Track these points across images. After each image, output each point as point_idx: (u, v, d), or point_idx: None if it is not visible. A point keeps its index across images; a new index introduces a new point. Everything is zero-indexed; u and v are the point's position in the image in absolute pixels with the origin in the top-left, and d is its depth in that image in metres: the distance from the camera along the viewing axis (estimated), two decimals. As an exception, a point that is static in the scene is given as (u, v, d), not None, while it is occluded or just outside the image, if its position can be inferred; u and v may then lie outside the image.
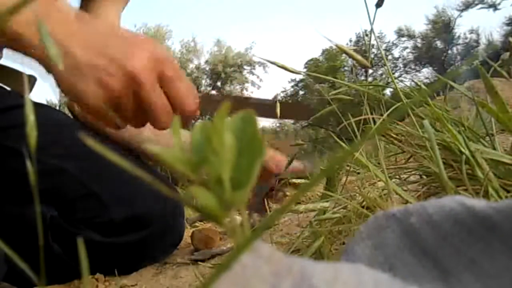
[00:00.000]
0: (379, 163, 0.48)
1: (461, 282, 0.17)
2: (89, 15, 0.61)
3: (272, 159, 0.77)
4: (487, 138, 0.44)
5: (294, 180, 0.58)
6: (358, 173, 0.61)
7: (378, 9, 0.45)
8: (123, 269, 0.74)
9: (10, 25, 0.45)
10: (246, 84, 14.74)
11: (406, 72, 14.45)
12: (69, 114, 0.83)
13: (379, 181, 0.57)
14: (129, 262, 0.75)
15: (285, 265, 0.15)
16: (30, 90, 0.75)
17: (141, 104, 0.50)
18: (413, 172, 0.52)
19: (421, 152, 0.47)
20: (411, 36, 14.59)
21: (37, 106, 0.70)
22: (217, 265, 0.50)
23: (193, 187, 0.13)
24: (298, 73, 0.56)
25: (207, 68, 14.75)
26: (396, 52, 14.75)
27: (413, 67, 14.62)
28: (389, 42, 14.53)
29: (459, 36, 14.21)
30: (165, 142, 0.78)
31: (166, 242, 0.80)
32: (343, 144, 0.51)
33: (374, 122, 0.49)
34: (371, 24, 0.45)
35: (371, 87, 0.53)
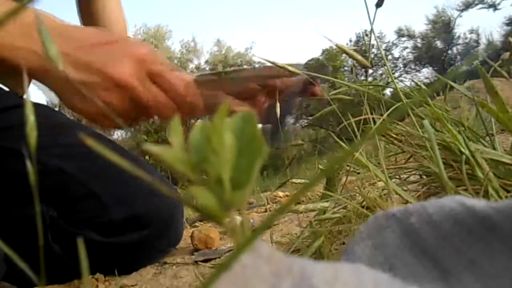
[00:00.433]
0: (379, 163, 0.47)
1: (461, 282, 0.17)
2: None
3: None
4: (487, 138, 0.44)
5: (294, 180, 0.57)
6: (358, 173, 0.61)
7: (378, 9, 0.45)
8: (123, 269, 0.74)
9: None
10: (246, 84, 14.68)
11: (406, 72, 14.45)
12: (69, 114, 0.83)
13: (379, 181, 0.57)
14: (129, 262, 0.75)
15: (285, 265, 0.15)
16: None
17: (139, 104, 0.52)
18: (413, 172, 0.52)
19: (421, 152, 0.47)
20: (411, 36, 14.59)
21: (37, 106, 0.70)
22: (217, 265, 0.50)
23: (193, 187, 0.13)
24: (298, 73, 0.56)
25: (207, 68, 14.74)
26: (396, 52, 14.76)
27: (413, 67, 14.62)
28: (389, 42, 14.53)
29: (459, 36, 14.22)
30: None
31: (166, 242, 0.80)
32: (343, 144, 0.51)
33: (374, 122, 0.49)
34: (371, 24, 0.45)
35: (371, 87, 0.53)
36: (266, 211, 1.21)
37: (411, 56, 14.74)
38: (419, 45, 14.56)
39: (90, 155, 0.71)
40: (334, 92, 0.56)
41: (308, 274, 0.15)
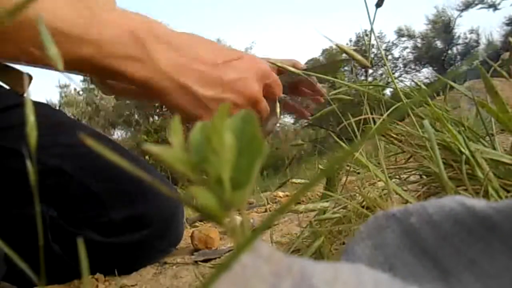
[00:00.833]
0: (379, 163, 0.47)
1: (461, 282, 0.17)
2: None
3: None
4: (487, 138, 0.44)
5: (294, 180, 0.58)
6: (358, 173, 0.61)
7: (378, 9, 0.45)
8: (123, 269, 0.74)
9: (109, 62, 0.44)
10: (246, 84, 14.68)
11: (406, 72, 14.44)
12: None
13: (379, 181, 0.57)
14: (129, 262, 0.75)
15: (285, 265, 0.15)
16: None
17: (259, 116, 0.57)
18: (413, 172, 0.52)
19: (421, 152, 0.47)
20: (411, 36, 14.59)
21: (37, 105, 0.70)
22: (217, 265, 0.50)
23: (193, 187, 0.13)
24: (298, 73, 0.56)
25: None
26: (396, 52, 14.76)
27: (413, 67, 14.62)
28: (389, 42, 14.53)
29: (459, 36, 14.22)
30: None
31: (166, 242, 0.80)
32: (343, 144, 0.51)
33: (374, 122, 0.49)
34: (371, 24, 0.45)
35: (371, 87, 0.53)
36: (266, 211, 1.21)
37: (411, 56, 14.75)
38: (419, 45, 14.56)
39: (90, 155, 0.71)
40: (334, 92, 0.56)
41: (308, 274, 0.15)
